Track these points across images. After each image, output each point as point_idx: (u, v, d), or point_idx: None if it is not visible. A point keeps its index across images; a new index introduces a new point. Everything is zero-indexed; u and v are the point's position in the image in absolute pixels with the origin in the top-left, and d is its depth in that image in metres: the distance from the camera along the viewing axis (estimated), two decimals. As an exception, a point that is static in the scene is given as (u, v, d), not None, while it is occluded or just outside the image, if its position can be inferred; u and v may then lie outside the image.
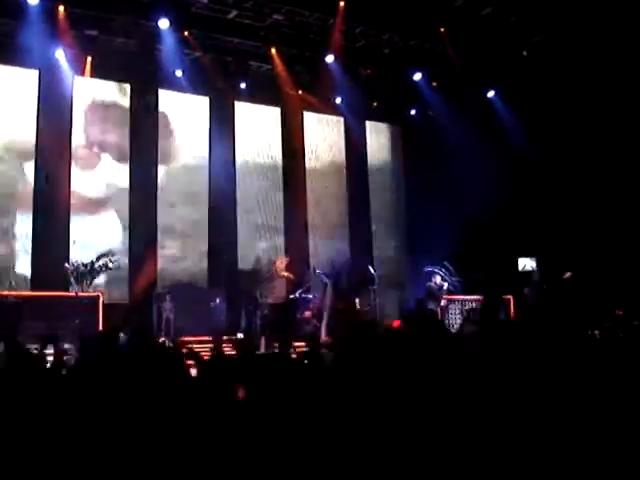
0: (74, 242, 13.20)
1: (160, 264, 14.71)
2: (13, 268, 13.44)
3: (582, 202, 14.46)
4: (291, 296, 14.39)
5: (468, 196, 15.08)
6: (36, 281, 13.36)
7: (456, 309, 14.57)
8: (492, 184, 14.44)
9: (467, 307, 14.44)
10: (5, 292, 12.00)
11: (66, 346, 9.00)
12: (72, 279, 12.37)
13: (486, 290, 13.50)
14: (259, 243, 15.99)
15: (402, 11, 14.20)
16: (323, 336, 11.38)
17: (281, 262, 14.53)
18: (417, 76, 16.31)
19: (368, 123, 17.82)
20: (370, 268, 14.84)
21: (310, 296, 14.19)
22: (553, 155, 14.89)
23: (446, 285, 14.12)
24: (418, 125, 17.46)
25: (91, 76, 14.50)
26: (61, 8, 13.20)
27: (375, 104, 17.22)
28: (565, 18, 13.99)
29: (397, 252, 17.66)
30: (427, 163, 16.76)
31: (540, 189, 15.10)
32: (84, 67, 14.34)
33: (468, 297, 14.68)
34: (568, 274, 12.95)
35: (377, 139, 18.08)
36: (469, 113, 15.38)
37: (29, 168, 13.96)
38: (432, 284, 13.87)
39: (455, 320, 14.13)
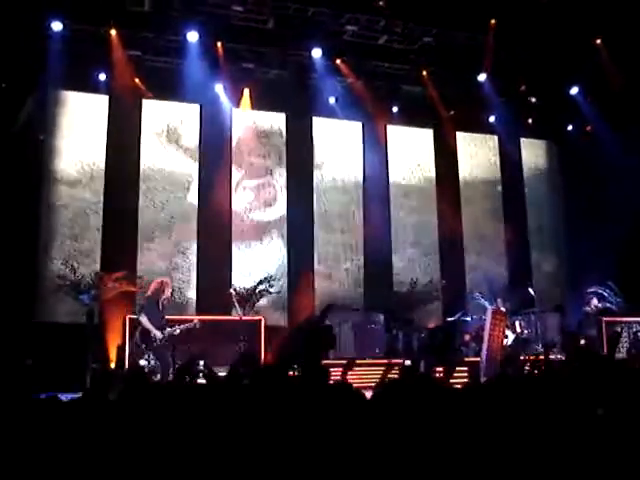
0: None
1: (318, 287, 14.93)
2: (181, 293, 14.05)
3: None
4: (449, 319, 14.22)
5: (632, 213, 14.38)
6: (201, 305, 13.97)
7: (622, 332, 13.83)
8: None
9: (635, 329, 13.71)
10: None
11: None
12: (236, 303, 12.79)
13: None
14: (414, 265, 15.90)
15: (555, 25, 13.84)
16: (483, 361, 11.17)
17: (434, 284, 14.43)
18: (573, 90, 15.82)
19: (523, 140, 17.41)
20: (529, 289, 14.43)
21: (468, 319, 13.96)
22: None
23: (605, 306, 13.50)
24: (576, 141, 16.84)
25: (249, 108, 15.07)
26: (219, 44, 13.84)
27: (530, 121, 16.82)
28: None
29: (557, 272, 17.05)
30: (586, 179, 16.12)
31: None
32: (241, 99, 14.94)
33: (634, 319, 13.94)
34: None
35: (533, 156, 17.63)
36: (630, 127, 14.67)
37: (192, 196, 14.64)
38: (589, 308, 13.30)
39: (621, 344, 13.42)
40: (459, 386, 6.17)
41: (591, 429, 3.42)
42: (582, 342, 12.72)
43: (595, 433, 3.35)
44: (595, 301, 13.39)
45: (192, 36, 13.30)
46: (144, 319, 9.80)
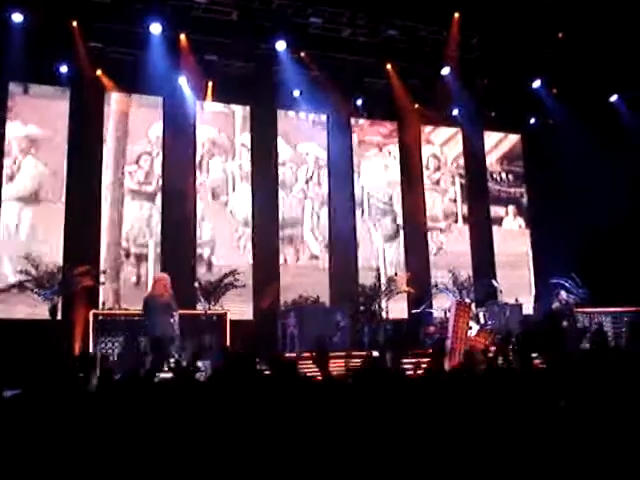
0: None
1: (283, 281, 14.89)
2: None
3: None
4: (413, 311, 14.29)
5: (593, 204, 14.56)
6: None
7: (584, 322, 14.00)
8: (619, 192, 13.92)
9: (596, 320, 13.91)
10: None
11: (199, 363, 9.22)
12: (201, 297, 12.74)
13: None
14: (379, 258, 15.94)
15: (518, 18, 13.97)
16: (448, 351, 11.24)
17: (402, 277, 14.46)
18: (536, 83, 15.99)
19: (486, 133, 17.53)
20: (493, 281, 14.55)
21: (433, 311, 14.04)
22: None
23: (572, 298, 13.65)
24: (538, 133, 17.03)
25: (212, 100, 14.98)
26: (182, 36, 13.75)
27: (493, 114, 16.94)
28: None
29: (521, 263, 17.17)
30: (548, 172, 16.31)
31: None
32: (205, 91, 14.82)
33: (596, 310, 14.14)
34: None
35: (496, 148, 17.75)
36: (592, 119, 14.84)
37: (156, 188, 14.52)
38: (557, 303, 13.35)
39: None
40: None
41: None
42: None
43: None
44: (564, 294, 13.46)
45: (155, 28, 13.20)
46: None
